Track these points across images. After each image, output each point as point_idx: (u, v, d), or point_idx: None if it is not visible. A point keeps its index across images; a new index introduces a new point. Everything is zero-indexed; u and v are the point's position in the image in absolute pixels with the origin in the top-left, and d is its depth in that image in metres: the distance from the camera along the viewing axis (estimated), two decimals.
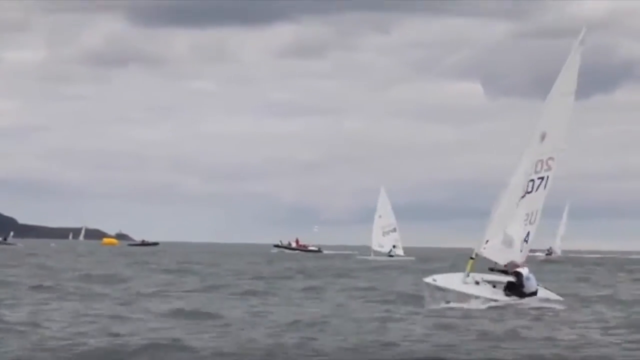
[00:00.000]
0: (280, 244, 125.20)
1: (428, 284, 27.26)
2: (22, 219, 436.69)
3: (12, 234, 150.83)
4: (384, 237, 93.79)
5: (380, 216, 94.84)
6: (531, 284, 27.19)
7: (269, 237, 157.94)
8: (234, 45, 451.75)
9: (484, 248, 27.79)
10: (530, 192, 27.90)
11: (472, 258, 27.70)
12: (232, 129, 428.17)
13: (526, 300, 26.75)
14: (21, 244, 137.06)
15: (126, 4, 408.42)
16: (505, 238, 27.80)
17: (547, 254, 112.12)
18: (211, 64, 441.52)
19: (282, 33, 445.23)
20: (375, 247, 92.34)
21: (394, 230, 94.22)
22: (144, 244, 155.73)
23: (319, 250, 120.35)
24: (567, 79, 27.84)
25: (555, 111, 27.83)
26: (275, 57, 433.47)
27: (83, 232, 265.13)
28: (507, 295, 26.97)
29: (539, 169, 27.83)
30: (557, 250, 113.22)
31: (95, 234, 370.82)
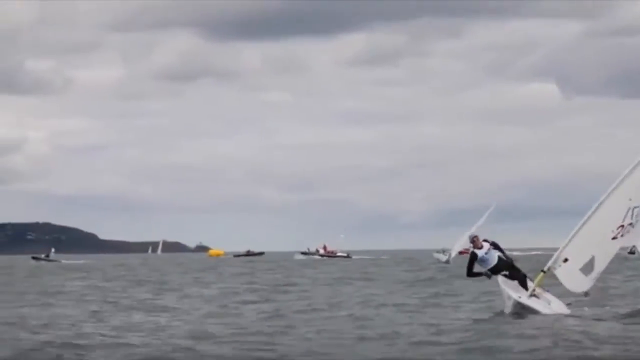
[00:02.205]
0: (307, 250, 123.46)
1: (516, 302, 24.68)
2: (103, 234, 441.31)
3: (53, 250, 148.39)
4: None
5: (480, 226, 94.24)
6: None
7: (347, 243, 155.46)
8: (306, 56, 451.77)
9: (559, 266, 25.22)
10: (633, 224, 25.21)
11: (543, 272, 24.98)
12: (306, 139, 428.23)
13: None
14: (66, 260, 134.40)
15: (198, 19, 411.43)
16: (588, 266, 25.14)
17: (629, 252, 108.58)
18: (283, 75, 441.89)
19: (353, 41, 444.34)
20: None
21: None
22: (249, 254, 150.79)
23: (348, 256, 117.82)
24: None
25: None
26: (347, 65, 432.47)
27: (160, 245, 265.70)
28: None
29: None
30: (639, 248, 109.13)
31: (174, 247, 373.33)
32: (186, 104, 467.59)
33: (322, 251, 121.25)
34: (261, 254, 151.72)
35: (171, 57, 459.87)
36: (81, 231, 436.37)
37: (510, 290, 24.73)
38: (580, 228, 25.05)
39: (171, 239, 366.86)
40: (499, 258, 25.07)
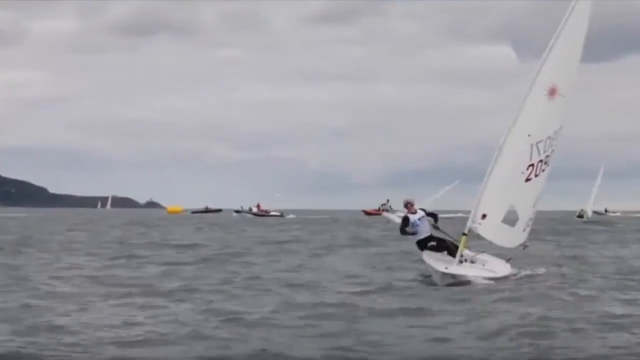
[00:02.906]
0: (241, 209, 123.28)
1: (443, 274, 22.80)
2: (53, 188, 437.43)
3: None
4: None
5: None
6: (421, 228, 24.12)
7: (296, 202, 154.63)
8: (263, 13, 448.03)
9: (479, 224, 23.16)
10: (547, 162, 23.35)
11: (464, 234, 23.15)
12: (261, 96, 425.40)
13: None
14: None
15: None
16: (509, 215, 23.25)
17: (578, 216, 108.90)
18: (240, 32, 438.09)
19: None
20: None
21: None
22: (207, 210, 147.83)
23: (282, 215, 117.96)
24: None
25: (567, 59, 22.99)
26: (304, 23, 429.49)
27: (110, 200, 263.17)
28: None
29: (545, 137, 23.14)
30: (588, 212, 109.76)
31: (124, 203, 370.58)
32: (142, 58, 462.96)
33: (255, 210, 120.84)
34: (219, 210, 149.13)
35: (128, 11, 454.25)
36: (32, 184, 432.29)
37: (435, 263, 23.14)
38: (487, 178, 23.09)
39: (122, 194, 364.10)
40: (431, 227, 24.27)
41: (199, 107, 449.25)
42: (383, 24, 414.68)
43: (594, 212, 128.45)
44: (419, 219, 24.17)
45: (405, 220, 24.28)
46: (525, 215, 23.64)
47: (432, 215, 24.37)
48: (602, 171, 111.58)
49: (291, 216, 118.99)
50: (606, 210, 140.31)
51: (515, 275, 23.33)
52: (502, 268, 23.41)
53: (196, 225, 73.73)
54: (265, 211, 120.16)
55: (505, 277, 22.91)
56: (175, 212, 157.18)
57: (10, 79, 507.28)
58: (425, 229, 24.14)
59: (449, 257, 23.32)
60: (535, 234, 26.67)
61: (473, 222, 23.08)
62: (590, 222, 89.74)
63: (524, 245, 24.20)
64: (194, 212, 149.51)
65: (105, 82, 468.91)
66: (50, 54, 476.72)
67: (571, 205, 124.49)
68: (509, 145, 22.93)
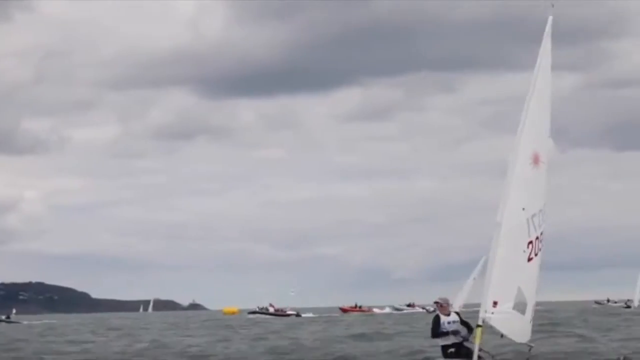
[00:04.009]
0: (257, 309, 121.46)
1: None
2: (95, 293, 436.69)
3: (14, 311, 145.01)
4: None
5: (474, 278, 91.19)
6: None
7: (341, 300, 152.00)
8: (300, 111, 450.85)
9: (492, 313, 20.72)
10: (542, 241, 21.33)
11: (479, 326, 20.82)
12: (300, 195, 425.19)
13: None
14: (26, 321, 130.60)
15: (193, 77, 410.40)
16: (520, 302, 20.98)
17: (625, 306, 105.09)
18: (278, 131, 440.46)
19: (348, 96, 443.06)
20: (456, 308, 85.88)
21: None
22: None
23: (298, 315, 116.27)
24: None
25: (542, 123, 21.26)
26: (341, 121, 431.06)
27: (152, 303, 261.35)
28: None
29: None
30: (636, 302, 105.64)
31: (167, 305, 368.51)
32: (181, 161, 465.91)
33: (271, 309, 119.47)
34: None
35: (167, 115, 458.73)
36: (74, 290, 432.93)
37: None
38: (492, 260, 20.81)
39: (164, 297, 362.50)
40: (461, 338, 21.98)
41: (238, 208, 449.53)
42: (420, 117, 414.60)
43: (596, 302, 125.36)
44: (451, 323, 21.87)
45: (436, 321, 21.96)
46: (531, 301, 21.50)
47: (466, 325, 21.94)
48: None
49: (309, 315, 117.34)
50: (608, 300, 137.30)
51: None
52: None
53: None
54: (282, 310, 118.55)
55: None
56: (232, 313, 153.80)
57: (52, 186, 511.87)
58: (453, 334, 21.83)
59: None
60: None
61: (485, 311, 20.68)
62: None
63: (529, 346, 21.82)
64: (250, 312, 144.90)
65: (144, 186, 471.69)
66: (91, 159, 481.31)
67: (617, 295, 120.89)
68: (507, 221, 20.90)
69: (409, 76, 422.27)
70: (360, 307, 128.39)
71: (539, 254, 21.23)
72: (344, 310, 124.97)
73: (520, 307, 21.12)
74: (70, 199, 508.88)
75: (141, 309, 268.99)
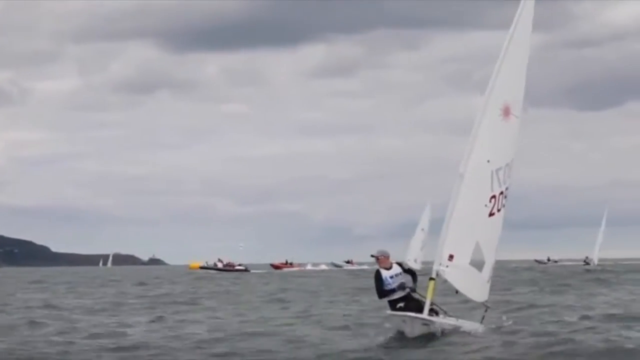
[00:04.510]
0: (206, 264, 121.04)
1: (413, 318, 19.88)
2: (55, 247, 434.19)
3: None
4: (421, 252, 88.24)
5: (422, 229, 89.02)
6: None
7: (303, 256, 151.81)
8: (265, 67, 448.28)
9: (447, 266, 19.81)
10: (506, 197, 20.49)
11: (432, 279, 19.96)
12: (264, 151, 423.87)
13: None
14: None
15: (156, 30, 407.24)
16: (476, 257, 19.96)
17: (584, 264, 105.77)
18: (242, 86, 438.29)
19: (312, 53, 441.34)
20: (410, 262, 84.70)
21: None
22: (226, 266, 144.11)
23: (246, 270, 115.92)
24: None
25: (516, 75, 20.40)
26: (306, 77, 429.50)
27: (111, 257, 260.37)
28: None
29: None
30: (594, 260, 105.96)
31: (127, 260, 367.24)
32: (143, 115, 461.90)
33: (220, 264, 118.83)
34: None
35: (129, 69, 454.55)
36: (34, 244, 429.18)
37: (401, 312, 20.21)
38: (451, 212, 19.72)
39: (125, 251, 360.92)
40: (408, 289, 20.39)
41: (200, 163, 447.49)
42: (385, 75, 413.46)
43: (535, 260, 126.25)
44: (394, 277, 20.34)
45: (378, 277, 20.36)
46: (490, 259, 20.59)
47: (410, 273, 20.53)
48: (606, 216, 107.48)
49: (259, 271, 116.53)
50: (549, 259, 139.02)
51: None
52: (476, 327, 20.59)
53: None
54: (230, 265, 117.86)
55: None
56: (196, 268, 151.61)
57: (11, 138, 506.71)
58: (400, 289, 20.32)
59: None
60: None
61: (440, 264, 19.73)
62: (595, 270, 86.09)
63: (486, 306, 20.97)
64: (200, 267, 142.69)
65: (106, 140, 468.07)
66: (52, 112, 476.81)
67: (577, 253, 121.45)
68: (470, 173, 20.04)
69: (373, 33, 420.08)
70: (291, 263, 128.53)
71: (502, 211, 20.34)
72: (274, 267, 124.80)
73: (477, 263, 20.29)
74: (30, 151, 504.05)
75: (100, 264, 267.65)
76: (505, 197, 20.32)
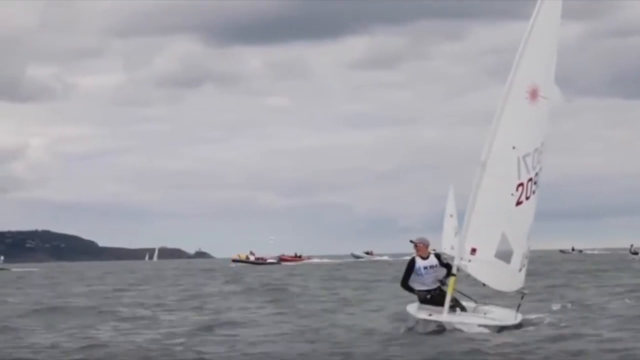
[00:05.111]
0: (237, 257, 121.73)
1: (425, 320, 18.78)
2: (102, 242, 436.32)
3: (2, 258, 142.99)
4: (456, 238, 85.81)
5: (451, 215, 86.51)
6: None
7: (348, 248, 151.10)
8: (307, 60, 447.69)
9: (469, 260, 18.74)
10: (537, 183, 19.26)
11: (452, 274, 18.89)
12: (307, 143, 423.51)
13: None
14: (16, 268, 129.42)
15: (198, 25, 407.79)
16: (502, 249, 18.85)
17: (632, 252, 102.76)
18: (284, 79, 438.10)
19: (355, 45, 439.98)
20: (447, 250, 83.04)
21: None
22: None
23: (278, 263, 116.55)
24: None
25: (545, 55, 19.08)
26: (348, 69, 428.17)
27: (157, 251, 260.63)
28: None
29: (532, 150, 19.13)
30: None
31: (174, 254, 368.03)
32: (187, 110, 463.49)
33: (252, 258, 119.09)
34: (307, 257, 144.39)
35: (172, 63, 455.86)
36: (81, 239, 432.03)
37: (416, 311, 19.11)
38: (472, 204, 18.71)
39: (171, 245, 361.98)
40: (439, 282, 19.25)
41: (242, 156, 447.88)
42: (427, 67, 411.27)
43: (560, 251, 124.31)
44: (427, 267, 19.23)
45: (410, 264, 19.28)
46: (519, 249, 19.24)
47: (447, 267, 19.29)
48: None
49: (315, 260, 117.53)
50: (573, 249, 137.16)
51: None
52: (509, 316, 19.13)
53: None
54: (263, 258, 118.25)
55: (512, 327, 18.60)
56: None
57: (56, 134, 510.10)
58: (431, 281, 19.22)
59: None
60: None
61: (461, 258, 18.69)
62: None
63: (522, 293, 19.66)
64: (234, 260, 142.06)
65: (150, 135, 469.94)
66: (96, 107, 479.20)
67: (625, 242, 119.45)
68: (493, 161, 18.74)
69: (416, 24, 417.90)
70: (300, 256, 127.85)
71: (532, 198, 19.10)
72: (282, 260, 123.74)
73: (504, 255, 19.07)
74: (75, 147, 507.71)
75: (147, 257, 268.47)
76: (535, 183, 19.12)
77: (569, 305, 24.83)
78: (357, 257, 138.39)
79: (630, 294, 28.25)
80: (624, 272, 48.36)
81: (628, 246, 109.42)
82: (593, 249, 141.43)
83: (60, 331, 22.69)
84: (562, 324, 20.06)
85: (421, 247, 19.33)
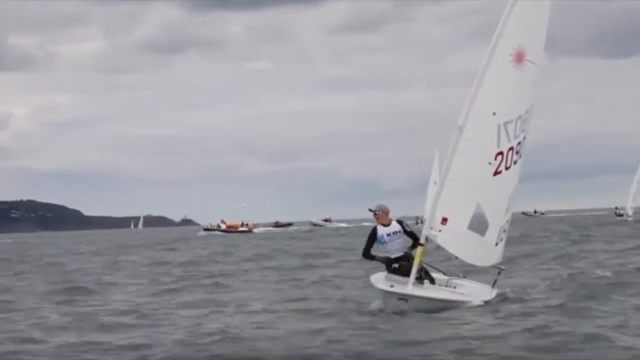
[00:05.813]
0: (209, 226, 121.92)
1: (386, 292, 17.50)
2: (88, 211, 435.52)
3: None
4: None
5: (435, 182, 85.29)
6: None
7: (331, 212, 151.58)
8: (289, 24, 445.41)
9: (439, 230, 17.27)
10: (519, 152, 17.95)
11: (420, 244, 17.67)
12: (291, 107, 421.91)
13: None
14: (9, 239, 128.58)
15: None
16: (477, 220, 17.56)
17: (617, 215, 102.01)
18: (266, 44, 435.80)
19: (336, 8, 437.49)
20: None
21: None
22: (277, 225, 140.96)
23: (250, 231, 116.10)
24: None
25: (535, 16, 17.73)
26: (330, 33, 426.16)
27: (141, 220, 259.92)
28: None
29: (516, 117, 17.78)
30: (629, 211, 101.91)
31: (159, 221, 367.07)
32: (170, 75, 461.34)
33: (223, 226, 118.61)
34: (289, 225, 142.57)
35: (154, 29, 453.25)
36: (66, 208, 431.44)
37: (379, 282, 17.86)
38: (445, 171, 17.53)
39: (156, 213, 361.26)
40: (407, 249, 18.16)
41: (227, 122, 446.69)
42: (409, 30, 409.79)
43: (522, 213, 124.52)
44: (390, 234, 18.04)
45: (372, 234, 18.14)
46: (496, 221, 17.99)
47: (411, 236, 18.18)
48: None
49: (260, 229, 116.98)
50: (535, 212, 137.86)
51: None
52: (481, 293, 17.96)
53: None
54: (234, 226, 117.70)
55: (483, 303, 17.19)
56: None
57: (38, 103, 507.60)
58: (396, 248, 18.06)
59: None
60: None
61: (431, 228, 17.20)
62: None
63: (499, 268, 18.45)
64: (205, 229, 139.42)
65: (133, 101, 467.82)
66: (79, 75, 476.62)
67: (611, 202, 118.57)
68: (470, 127, 17.46)
69: None
70: (246, 224, 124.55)
71: (513, 168, 17.77)
72: (227, 228, 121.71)
73: (478, 227, 17.70)
74: (59, 115, 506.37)
75: (132, 226, 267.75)
76: (518, 152, 17.70)
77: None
78: (315, 224, 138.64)
79: None
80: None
81: (608, 207, 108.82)
82: (559, 212, 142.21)
83: None
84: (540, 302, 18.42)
85: (381, 215, 18.21)
